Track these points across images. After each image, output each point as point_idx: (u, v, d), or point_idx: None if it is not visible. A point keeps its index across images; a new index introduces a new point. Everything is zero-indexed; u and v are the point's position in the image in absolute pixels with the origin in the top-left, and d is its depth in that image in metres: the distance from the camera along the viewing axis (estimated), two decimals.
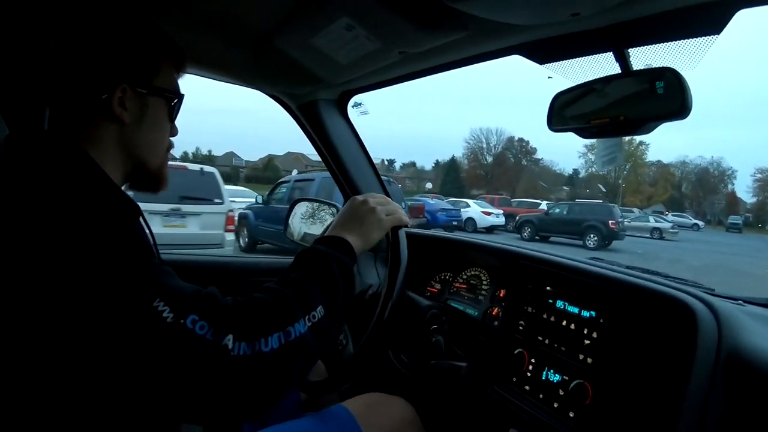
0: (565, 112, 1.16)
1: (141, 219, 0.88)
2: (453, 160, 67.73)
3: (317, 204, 1.95)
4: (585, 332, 1.09)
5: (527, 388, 1.16)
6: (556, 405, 1.09)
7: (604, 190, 59.84)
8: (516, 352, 1.22)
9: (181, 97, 0.94)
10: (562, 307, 1.16)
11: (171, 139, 0.97)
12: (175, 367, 0.68)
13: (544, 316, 1.19)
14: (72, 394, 0.72)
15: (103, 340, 0.68)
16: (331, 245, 0.94)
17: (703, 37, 0.97)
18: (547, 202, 31.04)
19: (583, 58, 1.15)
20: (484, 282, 1.52)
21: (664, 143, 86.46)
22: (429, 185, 51.56)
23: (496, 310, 1.40)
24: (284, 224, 1.90)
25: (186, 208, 6.62)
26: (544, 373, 1.14)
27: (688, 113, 0.94)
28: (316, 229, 1.84)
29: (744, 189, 67.20)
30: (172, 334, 0.68)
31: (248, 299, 0.78)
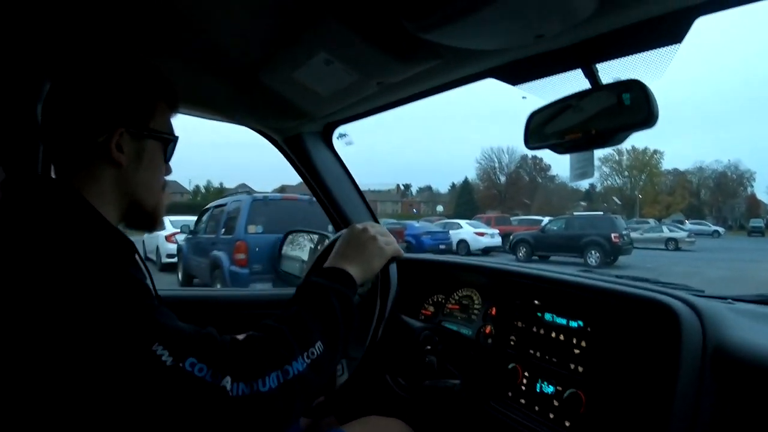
0: (541, 130, 1.20)
1: (136, 256, 0.90)
2: (466, 181, 66.61)
3: (309, 234, 1.97)
4: (574, 342, 1.11)
5: (522, 401, 1.18)
6: (551, 416, 1.10)
7: (619, 202, 58.64)
8: (510, 366, 1.23)
9: (175, 138, 0.95)
10: (551, 319, 1.18)
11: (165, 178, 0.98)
12: (175, 409, 0.69)
13: (534, 329, 1.21)
14: None
15: (103, 384, 0.68)
16: (331, 277, 0.94)
17: (666, 47, 1.01)
18: (550, 218, 27.01)
19: (553, 76, 1.19)
20: (476, 301, 1.54)
21: (679, 149, 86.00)
22: (440, 208, 50.59)
23: (489, 327, 1.42)
24: (277, 256, 1.93)
25: None
26: (538, 385, 1.15)
27: (655, 122, 0.97)
28: (306, 257, 1.86)
29: (764, 190, 65.55)
30: (171, 377, 0.68)
31: (246, 338, 0.78)
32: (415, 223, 20.65)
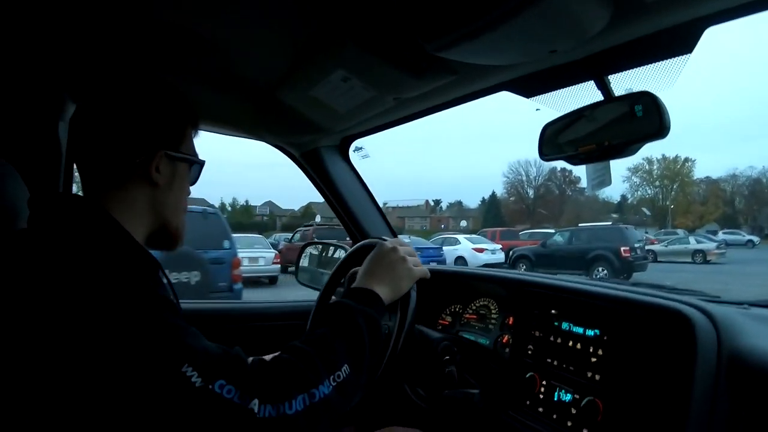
0: (555, 141, 1.22)
1: (161, 272, 0.92)
2: (493, 195, 64.92)
3: (327, 246, 2.00)
4: (591, 350, 1.12)
5: (541, 410, 1.19)
6: (569, 424, 1.11)
7: (648, 213, 56.57)
8: (527, 375, 1.24)
9: (202, 162, 0.98)
10: (568, 328, 1.19)
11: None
12: (204, 430, 0.70)
13: (551, 338, 1.22)
14: None
15: (133, 404, 0.69)
16: (360, 299, 0.94)
17: (677, 57, 1.03)
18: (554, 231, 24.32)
19: (566, 88, 1.22)
20: (493, 311, 1.56)
21: (711, 157, 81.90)
22: (464, 223, 48.34)
23: (506, 337, 1.43)
24: (295, 267, 1.95)
25: None
26: (556, 393, 1.16)
27: (667, 133, 0.99)
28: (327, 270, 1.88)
29: None
30: (201, 399, 0.69)
31: (273, 360, 0.79)
32: (406, 238, 18.78)
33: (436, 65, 1.14)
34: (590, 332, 1.14)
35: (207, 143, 1.03)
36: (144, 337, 0.69)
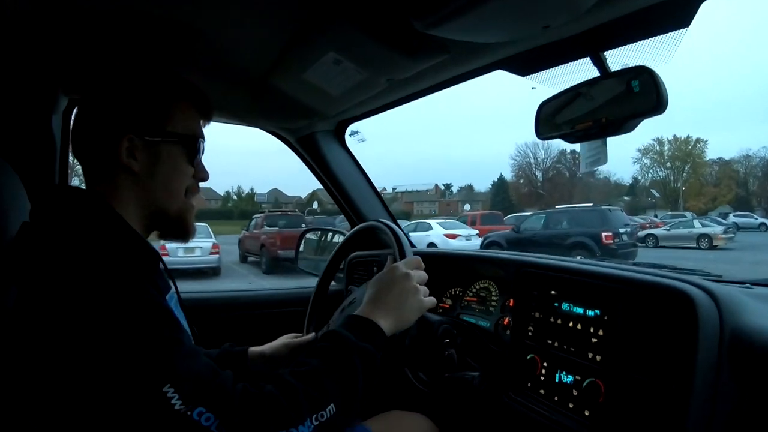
0: (551, 119, 1.20)
1: (161, 265, 0.90)
2: (501, 179, 64.48)
3: (325, 232, 2.00)
4: (591, 331, 1.11)
5: (542, 391, 1.18)
6: (571, 405, 1.10)
7: (657, 195, 55.28)
8: (528, 357, 1.23)
9: (195, 139, 0.93)
10: (568, 309, 1.18)
11: (200, 182, 0.97)
12: None
13: (552, 319, 1.21)
14: None
15: (109, 413, 0.69)
16: (361, 333, 0.89)
17: (674, 32, 1.01)
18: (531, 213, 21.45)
19: (562, 66, 1.19)
20: (494, 293, 1.54)
21: (724, 137, 79.98)
22: (467, 207, 46.25)
23: (507, 319, 1.42)
24: (295, 254, 1.95)
25: None
26: (557, 375, 1.15)
27: (665, 108, 0.97)
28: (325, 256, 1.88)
29: None
30: (177, 423, 0.68)
31: (258, 392, 0.76)
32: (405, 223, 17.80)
33: (428, 44, 1.12)
34: (591, 312, 1.12)
35: (212, 131, 1.00)
36: (133, 347, 0.69)
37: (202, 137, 0.95)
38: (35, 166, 1.45)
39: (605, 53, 1.11)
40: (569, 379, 1.13)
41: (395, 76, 1.29)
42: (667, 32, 1.01)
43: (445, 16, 0.91)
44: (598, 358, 1.08)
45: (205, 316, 1.79)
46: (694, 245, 20.00)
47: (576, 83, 1.15)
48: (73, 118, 0.89)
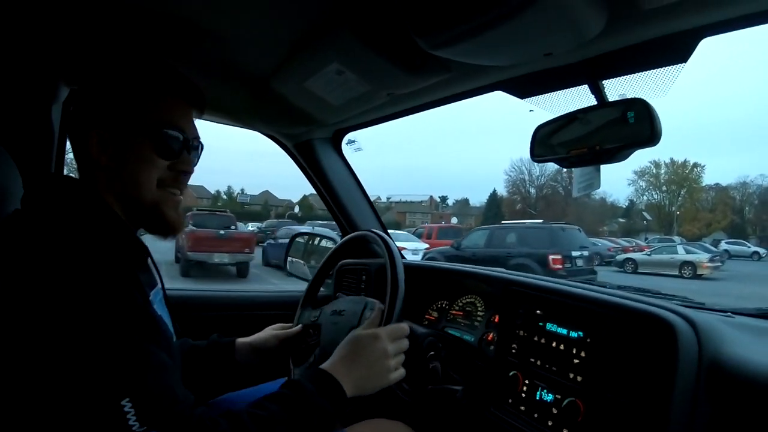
0: (547, 142, 1.23)
1: (149, 260, 0.91)
2: (494, 194, 63.62)
3: (314, 236, 2.01)
4: (574, 352, 1.13)
5: (522, 408, 1.20)
6: (550, 423, 1.12)
7: (649, 218, 54.99)
8: (510, 374, 1.25)
9: (162, 130, 0.90)
10: (552, 329, 1.20)
11: (184, 173, 0.95)
12: None
13: (535, 338, 1.23)
14: None
15: (63, 417, 0.68)
16: (323, 389, 0.90)
17: (672, 66, 1.04)
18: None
19: (560, 91, 1.22)
20: (479, 308, 1.56)
21: (721, 163, 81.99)
22: (455, 220, 45.31)
23: (491, 335, 1.44)
24: (284, 258, 1.96)
25: None
26: (538, 393, 1.17)
27: (658, 140, 1.00)
28: (315, 261, 1.89)
29: None
30: None
31: (213, 427, 0.75)
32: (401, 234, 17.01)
33: (431, 62, 1.14)
34: (574, 334, 1.15)
35: (212, 131, 1.01)
36: (98, 350, 0.68)
37: (182, 129, 0.93)
38: (33, 155, 1.45)
39: (603, 82, 1.13)
40: (550, 397, 1.15)
41: (396, 90, 1.32)
42: (665, 66, 1.04)
43: (450, 39, 0.93)
44: (579, 378, 1.10)
45: (191, 313, 1.80)
46: (677, 273, 18.98)
47: (573, 110, 1.17)
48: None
